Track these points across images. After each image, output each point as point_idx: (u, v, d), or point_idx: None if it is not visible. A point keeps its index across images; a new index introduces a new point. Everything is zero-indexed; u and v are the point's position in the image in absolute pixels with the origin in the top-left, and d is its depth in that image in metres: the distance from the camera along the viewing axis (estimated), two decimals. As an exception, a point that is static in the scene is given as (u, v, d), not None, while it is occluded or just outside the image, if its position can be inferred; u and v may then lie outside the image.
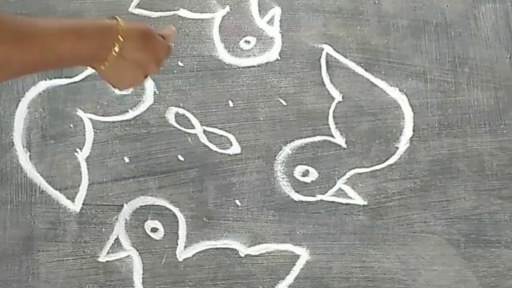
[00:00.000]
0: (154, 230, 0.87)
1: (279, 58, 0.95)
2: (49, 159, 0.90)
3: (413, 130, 0.92)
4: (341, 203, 0.89)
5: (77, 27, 0.69)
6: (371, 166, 0.91)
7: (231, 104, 0.94)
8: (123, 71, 0.73)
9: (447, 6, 0.97)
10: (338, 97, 0.93)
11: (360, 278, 0.86)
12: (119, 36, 0.71)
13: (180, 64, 0.94)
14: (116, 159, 0.89)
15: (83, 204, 0.88)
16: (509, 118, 0.93)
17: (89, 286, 0.85)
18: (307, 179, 0.90)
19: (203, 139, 0.90)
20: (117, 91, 0.88)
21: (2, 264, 0.86)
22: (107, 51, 0.71)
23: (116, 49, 0.70)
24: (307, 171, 0.90)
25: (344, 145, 0.91)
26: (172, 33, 0.80)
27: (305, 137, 0.91)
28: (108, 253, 0.86)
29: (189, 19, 0.96)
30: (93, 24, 0.75)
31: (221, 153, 0.90)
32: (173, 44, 0.88)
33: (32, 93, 0.92)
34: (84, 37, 0.68)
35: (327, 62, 0.94)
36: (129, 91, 0.85)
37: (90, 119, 0.91)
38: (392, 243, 0.87)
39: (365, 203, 0.89)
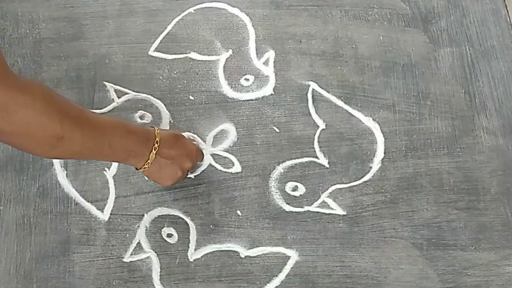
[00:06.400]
0: (169, 235, 0.95)
1: (273, 93, 1.04)
2: (83, 176, 0.98)
3: (384, 153, 1.01)
4: (325, 213, 0.97)
5: (126, 123, 0.75)
6: (349, 182, 0.99)
7: (233, 131, 1.02)
8: (163, 168, 0.82)
9: (412, 49, 1.08)
10: (322, 125, 1.02)
11: (340, 275, 0.94)
12: (156, 137, 0.78)
13: (191, 98, 1.04)
14: (138, 177, 0.98)
15: (111, 214, 0.96)
16: (464, 143, 1.02)
17: (115, 282, 0.93)
18: (296, 193, 0.98)
19: (210, 160, 1.00)
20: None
21: (43, 264, 0.93)
22: (149, 149, 0.77)
23: (156, 145, 0.78)
24: (296, 186, 0.99)
25: (327, 165, 1.00)
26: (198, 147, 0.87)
27: (294, 158, 1.00)
28: (131, 254, 0.94)
29: (199, 60, 1.06)
30: (137, 125, 0.78)
31: (225, 172, 0.99)
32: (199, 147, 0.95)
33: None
34: (133, 133, 0.75)
35: (313, 96, 1.04)
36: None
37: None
38: (367, 246, 0.95)
39: (345, 213, 0.97)
